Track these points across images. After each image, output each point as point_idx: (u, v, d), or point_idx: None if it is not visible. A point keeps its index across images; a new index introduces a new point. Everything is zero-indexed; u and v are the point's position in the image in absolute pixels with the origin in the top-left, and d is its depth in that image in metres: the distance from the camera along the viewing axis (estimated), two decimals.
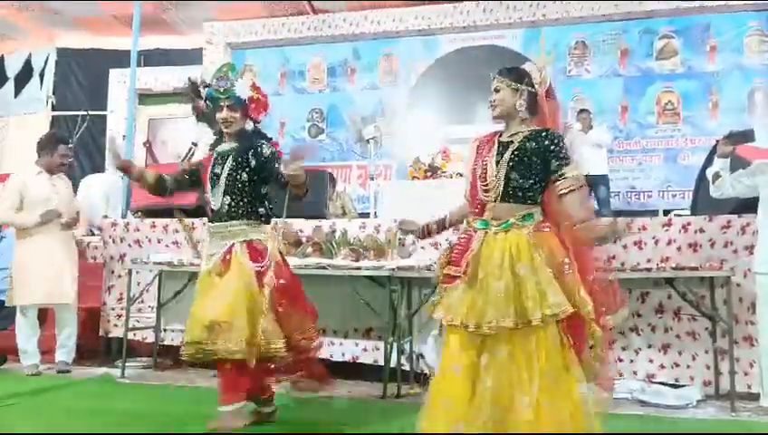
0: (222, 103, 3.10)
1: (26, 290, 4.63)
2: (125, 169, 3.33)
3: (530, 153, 2.52)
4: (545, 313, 2.33)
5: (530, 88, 2.62)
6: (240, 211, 3.09)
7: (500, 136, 2.64)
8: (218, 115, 3.13)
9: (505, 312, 2.36)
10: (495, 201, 2.52)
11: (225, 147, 3.18)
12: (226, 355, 2.89)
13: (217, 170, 3.11)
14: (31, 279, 4.62)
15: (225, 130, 3.17)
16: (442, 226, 2.92)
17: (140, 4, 6.92)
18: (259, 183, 3.11)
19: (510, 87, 2.59)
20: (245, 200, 3.09)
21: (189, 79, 3.27)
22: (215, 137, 3.29)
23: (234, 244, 3.03)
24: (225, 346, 2.87)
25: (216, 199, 3.09)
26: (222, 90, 3.09)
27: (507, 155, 2.53)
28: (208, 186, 3.14)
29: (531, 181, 2.52)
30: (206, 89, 3.16)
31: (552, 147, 2.52)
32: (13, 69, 10.75)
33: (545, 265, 2.41)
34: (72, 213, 4.80)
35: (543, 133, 2.55)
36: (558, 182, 2.51)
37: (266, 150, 3.09)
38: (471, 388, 2.38)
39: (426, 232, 2.94)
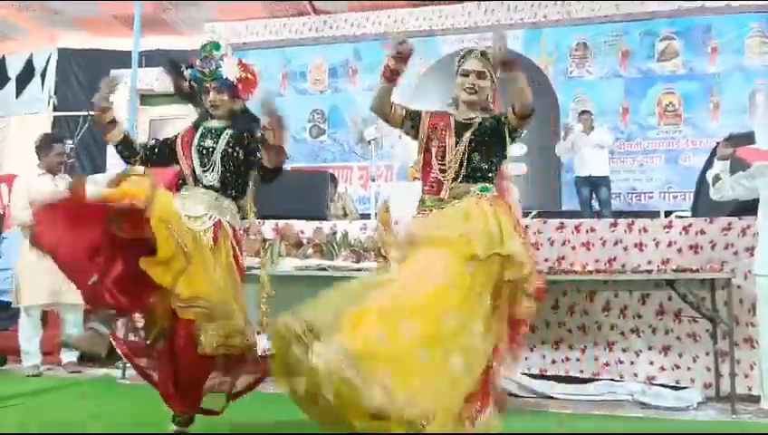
0: (208, 85, 2.92)
1: (32, 290, 4.66)
2: (103, 109, 3.07)
3: (489, 133, 2.54)
4: (500, 252, 2.26)
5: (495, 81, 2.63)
6: (230, 190, 2.91)
7: (455, 116, 2.63)
8: (205, 98, 2.95)
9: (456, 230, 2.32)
10: (454, 180, 2.52)
11: (215, 123, 2.98)
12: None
13: (208, 144, 2.90)
14: (37, 279, 4.63)
15: (212, 112, 2.98)
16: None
17: (141, 4, 6.92)
18: (247, 168, 2.94)
19: (492, 76, 2.60)
20: (238, 181, 2.93)
21: (170, 59, 3.08)
22: (199, 112, 3.08)
23: (221, 220, 2.83)
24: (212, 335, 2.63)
25: (209, 172, 2.87)
26: (207, 71, 2.89)
27: (467, 136, 2.53)
28: (194, 156, 2.90)
29: (490, 162, 2.54)
30: (190, 70, 2.96)
31: (504, 123, 2.53)
32: (14, 69, 10.77)
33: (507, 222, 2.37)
34: None
35: (498, 115, 2.59)
36: (508, 117, 2.52)
37: (258, 135, 2.92)
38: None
39: None
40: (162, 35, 9.98)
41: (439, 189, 2.53)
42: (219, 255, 2.78)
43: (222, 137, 2.92)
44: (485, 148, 2.52)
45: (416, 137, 2.72)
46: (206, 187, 2.88)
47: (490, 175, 2.55)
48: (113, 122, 3.04)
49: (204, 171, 2.89)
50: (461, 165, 2.51)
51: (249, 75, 3.01)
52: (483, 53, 2.58)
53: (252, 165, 2.94)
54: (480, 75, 2.58)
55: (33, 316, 4.71)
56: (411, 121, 2.74)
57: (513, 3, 8.92)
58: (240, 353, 2.79)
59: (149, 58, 9.60)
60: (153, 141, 3.09)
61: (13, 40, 10.62)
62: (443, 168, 2.53)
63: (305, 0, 9.36)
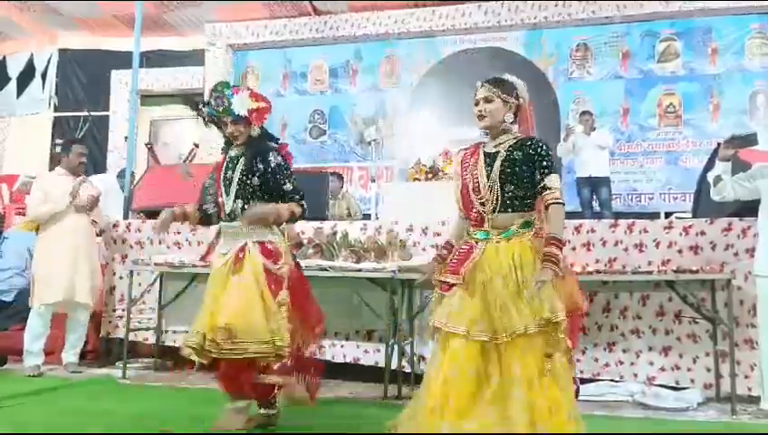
0: (225, 120, 3.16)
1: (46, 289, 4.69)
2: (167, 225, 3.32)
3: (518, 163, 2.57)
4: (545, 317, 2.40)
5: (517, 100, 2.67)
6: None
7: (484, 146, 2.69)
8: (225, 131, 3.21)
9: (517, 320, 2.42)
10: (494, 212, 2.57)
11: (235, 151, 3.22)
12: (239, 355, 2.89)
13: (229, 174, 3.16)
14: (50, 278, 4.69)
15: (234, 141, 3.23)
16: (450, 249, 2.83)
17: (142, 4, 6.93)
18: (266, 193, 3.13)
19: (501, 98, 2.63)
20: (257, 204, 3.11)
21: (191, 101, 3.36)
22: (224, 139, 3.32)
23: (246, 242, 3.05)
24: (241, 346, 2.88)
25: (229, 203, 3.13)
26: (221, 109, 3.13)
27: (497, 166, 2.58)
28: (222, 189, 3.18)
29: (524, 189, 2.57)
30: (207, 108, 3.20)
31: (537, 157, 2.58)
32: (15, 69, 10.78)
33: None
34: (85, 200, 4.83)
35: (528, 142, 2.61)
36: (545, 192, 2.56)
37: (273, 161, 3.12)
38: (477, 390, 2.44)
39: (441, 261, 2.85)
40: (163, 36, 10.00)
41: (482, 222, 2.60)
42: (243, 274, 3.00)
43: (237, 167, 3.16)
44: (516, 177, 2.56)
45: None
46: (229, 215, 3.14)
47: (528, 201, 2.59)
48: (185, 215, 3.31)
49: (226, 202, 3.16)
50: (496, 197, 2.57)
51: (261, 104, 3.22)
52: (488, 80, 2.67)
53: (272, 191, 3.12)
54: (487, 100, 2.64)
55: (44, 316, 4.72)
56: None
57: (514, 4, 8.91)
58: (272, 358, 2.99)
59: (150, 58, 9.63)
60: (207, 194, 3.30)
61: (13, 40, 10.63)
62: (481, 200, 2.60)
63: (306, 0, 9.36)
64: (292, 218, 3.14)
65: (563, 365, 2.45)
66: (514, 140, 2.63)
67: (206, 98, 3.26)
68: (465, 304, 2.52)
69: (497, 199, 2.57)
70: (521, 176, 2.56)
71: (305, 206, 3.15)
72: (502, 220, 2.57)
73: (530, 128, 2.71)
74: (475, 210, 2.63)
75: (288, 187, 3.12)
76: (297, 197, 3.13)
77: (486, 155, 2.64)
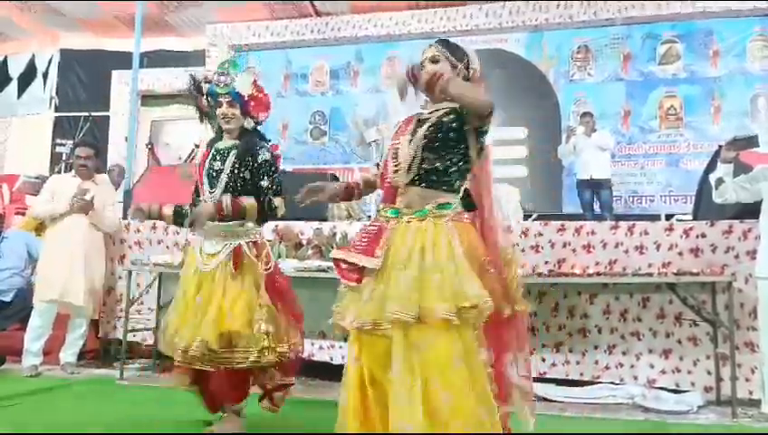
0: (221, 99, 3.03)
1: (44, 286, 4.71)
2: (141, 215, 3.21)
3: (446, 129, 2.20)
4: (463, 305, 2.00)
5: (467, 70, 2.34)
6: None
7: (419, 115, 2.33)
8: (218, 110, 3.05)
9: (408, 305, 2.00)
10: (408, 185, 2.20)
11: (225, 143, 3.08)
12: (243, 364, 2.85)
13: (217, 166, 3.01)
14: (49, 276, 4.70)
15: (224, 127, 3.08)
16: (351, 192, 2.54)
17: (143, 5, 6.94)
18: (254, 191, 3.02)
19: (449, 61, 2.30)
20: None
21: (191, 76, 3.20)
22: (214, 131, 3.20)
23: (240, 244, 2.93)
24: (243, 355, 2.83)
25: (216, 196, 2.97)
26: (222, 84, 3.02)
27: (421, 131, 2.21)
28: (205, 181, 3.03)
29: (447, 163, 2.20)
30: (208, 84, 3.09)
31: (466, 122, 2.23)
32: (16, 70, 10.80)
33: (465, 257, 2.09)
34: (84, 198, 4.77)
35: (462, 110, 2.22)
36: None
37: (261, 156, 3.01)
38: (364, 397, 2.10)
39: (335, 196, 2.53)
40: (164, 36, 10.01)
41: (394, 196, 2.22)
42: (242, 280, 2.91)
43: (228, 158, 3.02)
44: (440, 145, 2.18)
45: None
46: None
47: (450, 181, 2.20)
48: (160, 214, 3.20)
49: (211, 194, 2.99)
50: (410, 165, 2.18)
51: (261, 95, 3.13)
52: (439, 41, 2.36)
53: (259, 191, 3.00)
54: (433, 60, 2.30)
55: (44, 316, 4.70)
56: None
57: (515, 5, 8.92)
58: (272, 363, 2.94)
59: (151, 59, 9.64)
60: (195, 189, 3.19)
61: (15, 40, 10.65)
62: (396, 168, 2.21)
63: (307, 1, 9.36)
64: (258, 216, 2.99)
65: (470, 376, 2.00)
66: (450, 107, 2.24)
67: (209, 75, 3.13)
68: (362, 295, 2.14)
69: (412, 168, 2.18)
70: (445, 144, 2.18)
71: (275, 204, 3.00)
72: (415, 197, 2.18)
73: None
74: (387, 181, 2.25)
75: (265, 183, 2.98)
76: (271, 193, 2.99)
77: (418, 121, 2.28)
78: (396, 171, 2.21)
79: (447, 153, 2.19)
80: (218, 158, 3.04)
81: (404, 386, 1.96)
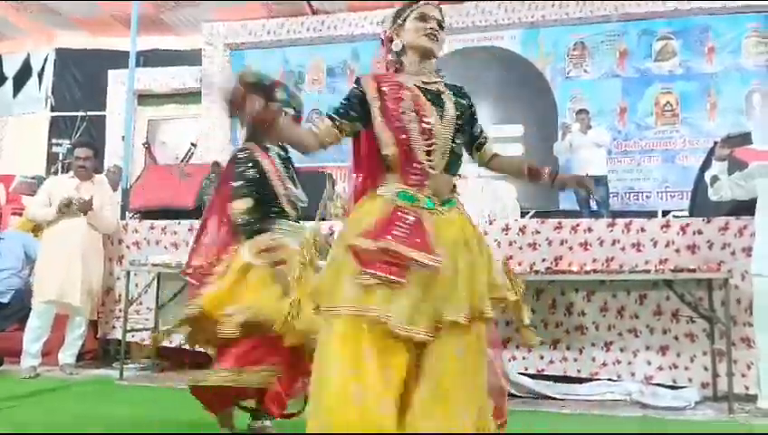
0: (285, 111, 2.83)
1: (42, 287, 4.72)
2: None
3: (463, 112, 2.04)
4: (496, 295, 1.94)
5: None
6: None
7: (418, 84, 2.01)
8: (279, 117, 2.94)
9: (461, 306, 1.82)
10: (441, 171, 1.96)
11: (277, 149, 3.08)
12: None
13: (290, 171, 3.11)
14: (47, 277, 4.71)
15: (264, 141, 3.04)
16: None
17: (139, 4, 6.93)
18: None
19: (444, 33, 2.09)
20: None
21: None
22: (246, 133, 3.11)
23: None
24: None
25: (299, 195, 3.11)
26: (295, 103, 3.02)
27: (451, 111, 1.98)
28: (289, 183, 3.05)
29: (463, 147, 2.07)
30: (283, 92, 2.95)
31: (473, 107, 2.11)
32: (11, 69, 10.78)
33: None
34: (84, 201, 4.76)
35: (461, 88, 2.11)
36: (486, 145, 2.15)
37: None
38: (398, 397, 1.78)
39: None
40: (160, 35, 9.99)
41: (423, 182, 1.93)
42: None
43: (287, 164, 3.10)
44: (463, 126, 2.03)
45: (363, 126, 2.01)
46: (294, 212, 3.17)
47: (460, 163, 2.06)
48: None
49: (293, 193, 3.10)
50: (445, 150, 1.96)
51: None
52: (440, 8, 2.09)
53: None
54: (441, 26, 2.05)
55: (43, 317, 4.70)
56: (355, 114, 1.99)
57: (511, 3, 8.91)
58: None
59: (147, 58, 9.61)
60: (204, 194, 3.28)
61: (10, 39, 10.62)
62: (430, 148, 1.93)
63: (303, 0, 9.35)
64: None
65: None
66: (450, 84, 2.09)
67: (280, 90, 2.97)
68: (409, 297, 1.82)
69: (446, 152, 1.96)
70: (464, 129, 2.04)
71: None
72: (443, 184, 1.96)
73: None
74: (416, 164, 1.93)
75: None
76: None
77: (425, 91, 2.00)
78: (428, 153, 1.93)
79: (464, 136, 2.06)
80: (280, 163, 3.05)
81: (463, 388, 1.82)
